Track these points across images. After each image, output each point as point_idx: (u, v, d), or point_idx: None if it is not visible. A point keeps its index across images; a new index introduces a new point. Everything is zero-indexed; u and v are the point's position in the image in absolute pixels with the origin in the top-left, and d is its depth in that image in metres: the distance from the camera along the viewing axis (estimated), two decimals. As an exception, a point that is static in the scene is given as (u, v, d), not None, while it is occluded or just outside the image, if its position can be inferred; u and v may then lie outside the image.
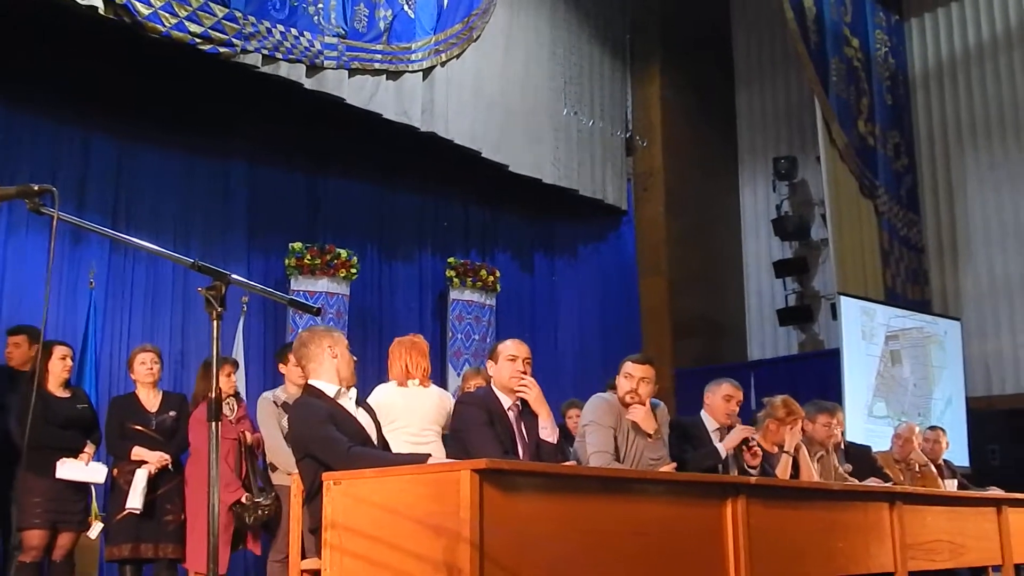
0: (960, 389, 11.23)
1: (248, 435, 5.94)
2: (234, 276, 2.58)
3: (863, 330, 10.54)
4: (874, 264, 11.34)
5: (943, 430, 7.93)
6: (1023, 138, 11.90)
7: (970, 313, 11.86)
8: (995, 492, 6.52)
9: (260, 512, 5.72)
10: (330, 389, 3.99)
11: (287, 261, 8.88)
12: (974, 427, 10.91)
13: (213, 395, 2.53)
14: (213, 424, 2.52)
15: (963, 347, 11.41)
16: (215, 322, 2.53)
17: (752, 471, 5.20)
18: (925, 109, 12.62)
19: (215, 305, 2.48)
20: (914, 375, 10.91)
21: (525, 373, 4.33)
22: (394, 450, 4.21)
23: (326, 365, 4.02)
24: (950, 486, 6.66)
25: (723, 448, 4.98)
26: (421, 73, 9.52)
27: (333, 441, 3.74)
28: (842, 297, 10.49)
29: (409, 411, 5.12)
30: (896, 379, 10.72)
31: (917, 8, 12.88)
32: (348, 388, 4.06)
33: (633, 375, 4.63)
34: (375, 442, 4.04)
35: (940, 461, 7.51)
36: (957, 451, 9.19)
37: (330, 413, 3.87)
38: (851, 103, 11.50)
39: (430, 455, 3.79)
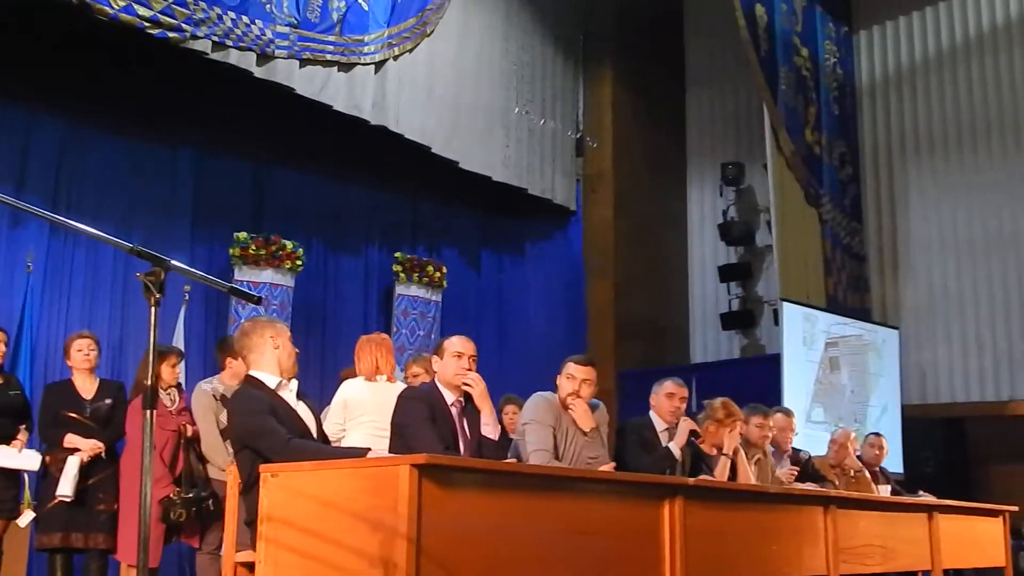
0: (896, 397, 11.42)
1: (189, 428, 5.86)
2: (174, 262, 2.55)
3: (804, 336, 10.68)
4: (817, 271, 11.49)
5: (884, 437, 8.06)
6: (965, 152, 12.14)
7: (908, 322, 12.07)
8: (927, 498, 6.65)
9: (190, 509, 5.60)
10: (271, 380, 3.96)
11: (231, 251, 8.78)
12: (908, 434, 11.11)
13: (149, 383, 2.50)
14: (148, 412, 2.49)
15: (900, 355, 11.62)
16: (153, 309, 2.49)
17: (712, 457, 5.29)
18: (871, 120, 12.83)
19: (154, 291, 2.45)
20: (852, 382, 11.08)
21: (470, 370, 4.33)
22: (361, 444, 4.19)
23: (268, 356, 3.98)
24: (884, 492, 6.77)
25: (675, 448, 5.02)
26: (373, 66, 9.46)
27: (272, 432, 3.71)
28: (784, 303, 10.62)
29: (377, 406, 5.19)
30: (834, 385, 10.88)
31: (866, 21, 13.08)
32: (289, 380, 4.03)
33: (576, 376, 4.65)
34: (314, 435, 4.01)
35: (878, 467, 7.62)
36: (891, 458, 9.31)
37: (270, 404, 3.84)
38: (799, 112, 11.64)
39: (370, 449, 3.78)
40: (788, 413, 6.86)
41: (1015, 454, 11.60)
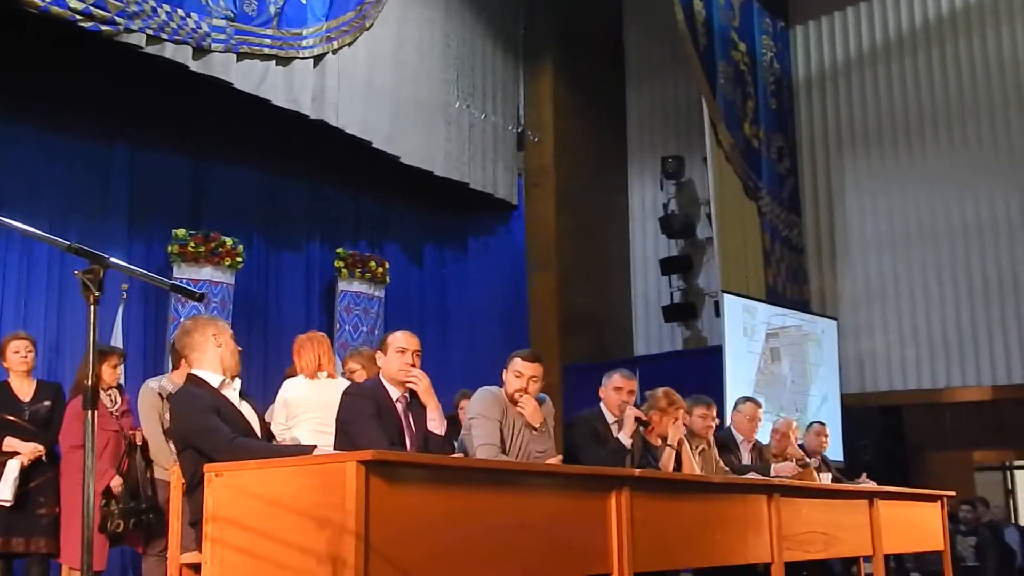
0: (835, 386, 11.60)
1: (139, 435, 5.74)
2: (113, 259, 2.49)
3: (745, 327, 10.80)
4: (756, 263, 11.62)
5: (826, 425, 8.16)
6: (900, 146, 12.37)
7: (846, 313, 12.27)
8: (869, 485, 6.75)
9: (128, 520, 5.51)
10: (214, 379, 3.91)
11: (170, 248, 8.65)
12: (848, 423, 11.29)
13: (89, 383, 2.44)
14: (89, 413, 2.44)
15: (839, 346, 11.80)
16: (92, 307, 2.43)
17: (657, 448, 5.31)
18: (807, 114, 13.01)
19: (92, 289, 2.39)
20: (792, 372, 11.23)
21: (414, 365, 4.30)
22: (306, 442, 4.15)
23: (210, 354, 3.93)
24: (825, 480, 6.85)
25: (625, 438, 5.03)
26: (312, 60, 9.38)
27: (215, 431, 3.66)
28: (725, 295, 10.72)
29: (320, 404, 5.16)
30: (775, 375, 11.02)
31: (802, 16, 13.25)
32: (232, 379, 3.98)
33: (523, 373, 4.63)
34: (259, 434, 3.96)
35: (821, 455, 7.72)
36: (831, 446, 9.45)
37: (213, 403, 3.78)
38: (737, 106, 11.76)
39: (315, 446, 3.74)
40: (757, 403, 6.88)
41: (951, 441, 11.86)
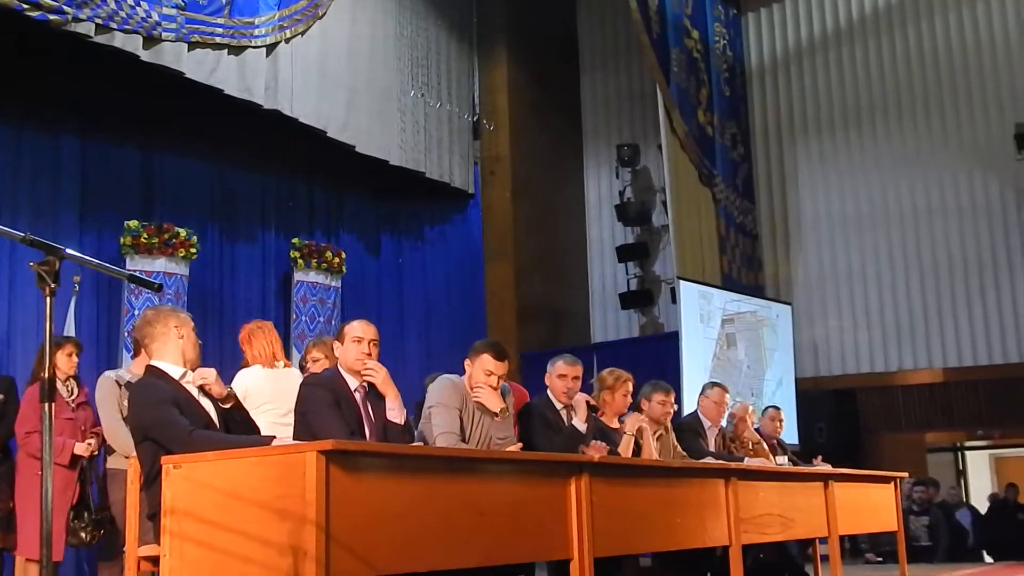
0: (790, 370, 11.74)
1: (86, 446, 5.68)
2: (69, 251, 2.47)
3: (701, 313, 10.89)
4: (712, 250, 11.72)
5: (781, 409, 8.26)
6: (851, 131, 12.52)
7: (800, 298, 12.42)
8: (824, 467, 6.84)
9: (100, 532, 5.52)
10: (174, 371, 3.87)
11: (122, 240, 8.54)
12: (802, 406, 11.44)
13: (46, 375, 2.41)
14: (46, 406, 2.41)
15: (793, 330, 11.94)
16: (48, 299, 2.41)
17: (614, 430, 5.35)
18: (760, 101, 13.12)
19: (48, 281, 2.37)
20: (748, 357, 11.35)
21: (370, 355, 4.28)
22: (264, 433, 4.12)
23: (170, 346, 3.89)
24: (781, 463, 6.93)
25: (579, 424, 5.05)
26: (264, 49, 9.30)
27: (174, 424, 3.63)
28: (681, 281, 10.81)
29: (278, 393, 5.10)
30: (731, 361, 11.12)
31: (754, 3, 13.36)
32: (193, 371, 3.94)
33: (494, 372, 4.62)
34: (218, 427, 3.93)
35: (777, 439, 7.81)
36: (787, 429, 9.57)
37: (172, 395, 3.75)
38: (691, 93, 11.83)
39: (275, 437, 3.72)
40: (725, 388, 6.92)
41: (903, 423, 12.06)
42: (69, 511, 5.53)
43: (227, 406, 3.88)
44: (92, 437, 5.73)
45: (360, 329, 4.35)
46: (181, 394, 3.79)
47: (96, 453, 5.76)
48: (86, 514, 5.53)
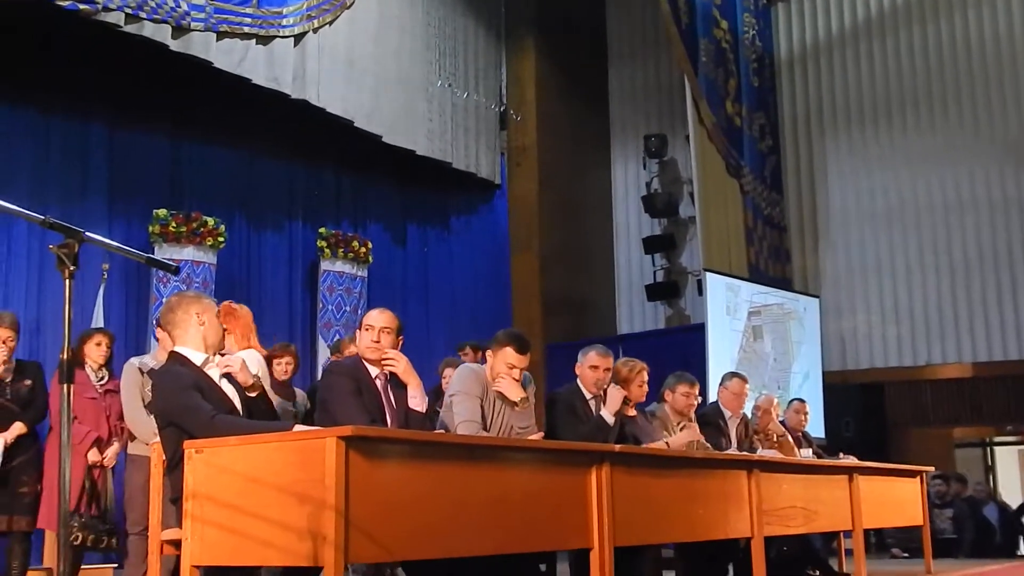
0: (817, 364, 11.67)
1: (107, 454, 5.74)
2: (88, 233, 2.49)
3: (727, 306, 10.84)
4: (738, 242, 11.65)
5: (806, 403, 8.21)
6: (881, 123, 12.40)
7: (828, 291, 12.33)
8: (848, 460, 6.80)
9: (85, 534, 5.57)
10: (197, 357, 3.89)
11: (151, 228, 8.62)
12: (829, 400, 11.36)
13: (65, 356, 2.44)
14: (65, 387, 2.43)
15: (821, 324, 11.86)
16: (67, 281, 2.44)
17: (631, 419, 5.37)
18: (789, 92, 13.02)
19: (67, 264, 2.39)
20: (775, 350, 11.29)
21: (379, 343, 4.28)
22: None
23: (192, 332, 3.91)
24: (805, 455, 6.91)
25: (608, 416, 5.04)
26: (292, 39, 9.34)
27: (196, 409, 3.65)
28: (708, 273, 10.76)
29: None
30: (758, 353, 11.07)
31: (784, -7, 13.25)
32: (215, 356, 3.96)
33: (517, 366, 4.61)
34: (240, 412, 3.95)
35: (802, 431, 7.78)
36: (813, 423, 9.53)
37: (195, 381, 3.77)
38: (719, 84, 11.76)
39: (295, 423, 3.74)
40: (744, 378, 6.89)
41: (931, 417, 11.96)
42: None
43: (253, 394, 3.90)
44: (112, 444, 5.78)
45: (371, 317, 4.38)
46: (203, 380, 3.81)
47: (111, 464, 5.82)
48: (79, 516, 5.58)
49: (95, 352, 5.84)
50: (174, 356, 3.90)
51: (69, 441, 2.40)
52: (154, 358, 5.59)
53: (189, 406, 3.68)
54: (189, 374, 3.80)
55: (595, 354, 5.23)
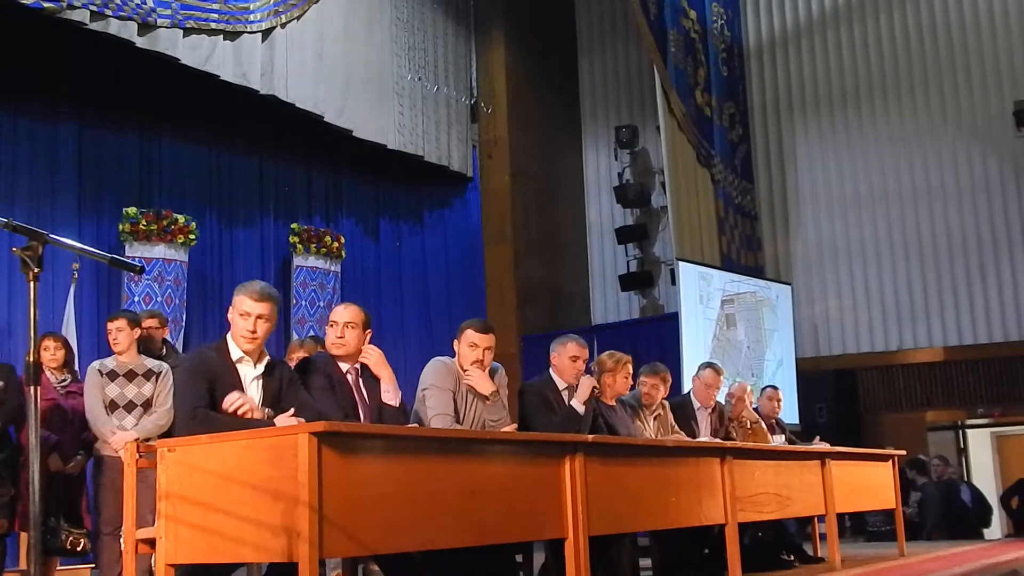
0: (790, 350, 11.75)
1: (73, 464, 5.72)
2: (51, 235, 2.48)
3: (700, 295, 10.89)
4: (710, 231, 11.72)
5: (779, 389, 8.25)
6: (850, 110, 12.49)
7: (799, 278, 12.42)
8: (822, 446, 6.85)
9: (62, 539, 5.57)
10: (235, 351, 3.89)
11: (121, 227, 8.57)
12: (803, 386, 11.45)
13: (31, 359, 2.44)
14: (32, 389, 2.43)
15: (793, 310, 11.94)
16: (32, 284, 2.44)
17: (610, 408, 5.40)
18: (759, 81, 13.08)
19: (31, 266, 2.39)
20: (748, 337, 11.36)
21: (343, 338, 4.27)
22: None
23: (233, 326, 3.91)
24: (778, 442, 6.95)
25: (578, 405, 5.06)
26: (260, 34, 9.30)
27: (185, 397, 3.69)
28: (680, 263, 10.81)
29: None
30: (731, 341, 11.13)
31: (752, -18, 13.30)
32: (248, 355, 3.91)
33: (479, 345, 4.62)
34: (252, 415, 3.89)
35: (775, 418, 7.82)
36: (787, 409, 9.62)
37: (214, 370, 3.77)
38: (688, 74, 11.80)
39: (275, 420, 3.72)
40: (718, 370, 6.90)
41: (904, 402, 12.07)
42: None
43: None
44: (77, 453, 5.76)
45: (335, 313, 4.37)
46: (227, 373, 3.80)
47: (75, 471, 5.79)
48: (55, 519, 5.58)
49: (45, 356, 5.80)
50: (219, 342, 3.91)
51: (38, 443, 2.40)
52: (115, 360, 5.58)
53: (181, 388, 3.74)
54: (213, 361, 3.81)
55: (575, 344, 5.23)
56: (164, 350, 6.17)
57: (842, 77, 12.60)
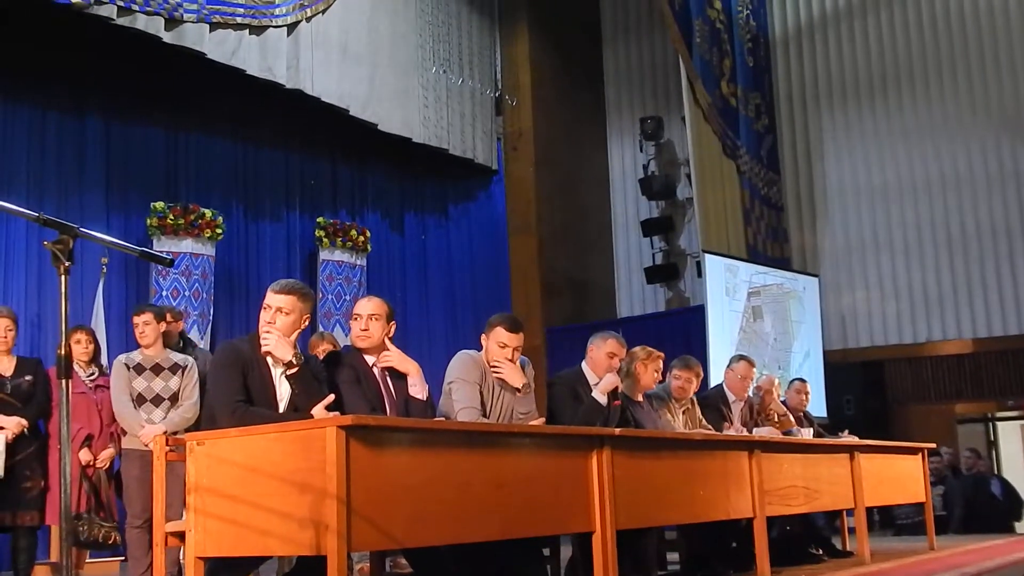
0: (817, 342, 11.68)
1: (102, 456, 5.76)
2: (82, 229, 2.50)
3: (727, 287, 10.84)
4: (736, 223, 11.65)
5: (807, 382, 8.21)
6: (877, 100, 12.37)
7: (827, 269, 12.33)
8: (850, 439, 6.81)
9: (95, 532, 5.62)
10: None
11: (148, 221, 8.63)
12: (830, 379, 11.38)
13: (63, 352, 2.45)
14: (64, 383, 2.45)
15: (820, 302, 11.87)
16: (63, 277, 2.45)
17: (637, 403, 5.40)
18: (785, 71, 12.99)
19: (62, 259, 2.41)
20: (775, 330, 11.30)
21: (366, 330, 4.28)
22: None
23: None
24: (806, 435, 6.91)
25: (599, 396, 5.05)
26: (285, 28, 9.32)
27: (224, 391, 3.72)
28: (706, 255, 10.76)
29: None
30: (758, 333, 11.08)
31: (778, -28, 13.20)
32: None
33: (508, 344, 4.62)
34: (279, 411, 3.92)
35: (803, 411, 7.78)
36: (815, 402, 9.56)
37: (244, 361, 3.81)
38: (714, 64, 11.73)
39: (312, 412, 3.76)
40: (751, 362, 6.87)
41: (932, 394, 11.97)
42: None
43: (292, 372, 3.91)
44: (107, 445, 5.79)
45: (358, 306, 4.39)
46: (258, 367, 3.84)
47: (104, 466, 5.83)
48: (87, 513, 5.63)
49: (76, 349, 5.84)
50: (253, 334, 3.96)
51: (69, 436, 2.41)
52: (141, 353, 5.62)
53: (215, 380, 3.80)
54: (246, 354, 3.85)
55: (615, 342, 5.26)
56: (181, 343, 6.20)
57: (869, 66, 12.49)
